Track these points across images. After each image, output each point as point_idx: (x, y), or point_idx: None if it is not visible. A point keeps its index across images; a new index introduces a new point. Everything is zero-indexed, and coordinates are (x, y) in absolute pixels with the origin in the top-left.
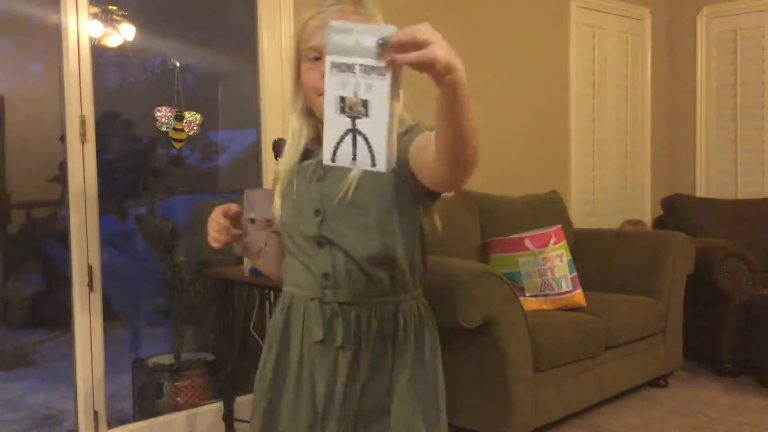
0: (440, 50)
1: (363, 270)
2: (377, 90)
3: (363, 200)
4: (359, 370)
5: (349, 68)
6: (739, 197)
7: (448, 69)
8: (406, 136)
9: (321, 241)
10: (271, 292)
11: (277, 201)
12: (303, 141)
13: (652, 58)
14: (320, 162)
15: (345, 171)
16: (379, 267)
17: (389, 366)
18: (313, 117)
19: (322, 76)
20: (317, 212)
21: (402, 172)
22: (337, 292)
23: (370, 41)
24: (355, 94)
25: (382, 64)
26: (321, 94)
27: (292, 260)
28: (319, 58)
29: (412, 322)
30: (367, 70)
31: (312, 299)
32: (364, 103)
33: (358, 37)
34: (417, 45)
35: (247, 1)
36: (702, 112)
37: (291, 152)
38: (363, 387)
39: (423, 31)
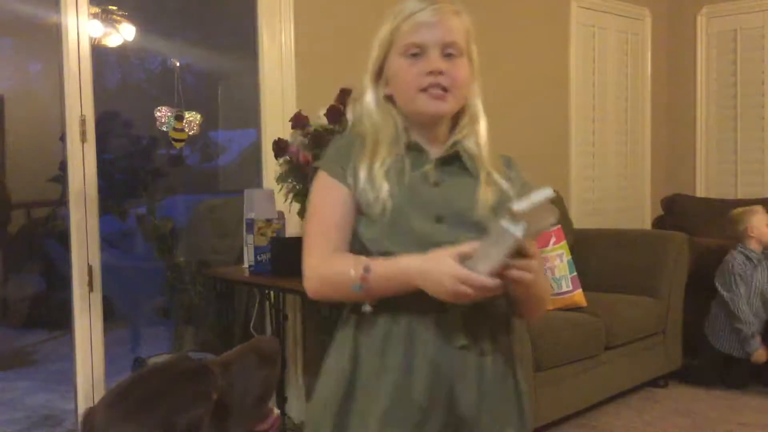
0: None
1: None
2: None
3: (485, 217)
4: (498, 373)
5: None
6: (739, 197)
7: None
8: (511, 172)
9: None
10: (271, 291)
11: (384, 185)
12: (405, 134)
13: (652, 58)
14: (435, 166)
15: (463, 181)
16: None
17: (513, 369)
18: (396, 109)
19: (426, 73)
20: (439, 218)
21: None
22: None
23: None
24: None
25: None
26: (423, 89)
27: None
28: (417, 55)
29: (511, 326)
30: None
31: (445, 304)
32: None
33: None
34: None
35: (247, 1)
36: (702, 112)
37: (388, 142)
38: (503, 390)
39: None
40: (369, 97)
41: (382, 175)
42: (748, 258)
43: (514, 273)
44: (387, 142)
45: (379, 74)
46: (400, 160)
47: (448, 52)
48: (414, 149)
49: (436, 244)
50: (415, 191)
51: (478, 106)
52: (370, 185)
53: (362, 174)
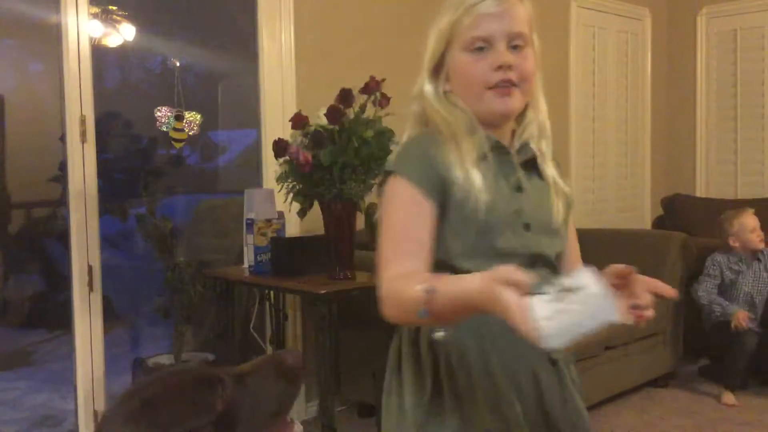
0: None
1: None
2: None
3: (560, 224)
4: (575, 385)
5: None
6: (739, 197)
7: None
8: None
9: (536, 261)
10: (271, 291)
11: (476, 179)
12: (482, 131)
13: (652, 58)
14: (519, 170)
15: (539, 186)
16: None
17: (575, 377)
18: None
19: (494, 68)
20: (527, 226)
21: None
22: None
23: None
24: None
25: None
26: (490, 87)
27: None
28: (483, 48)
29: None
30: None
31: None
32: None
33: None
34: None
35: (247, 1)
36: (702, 112)
37: (466, 134)
38: (577, 403)
39: None
40: (429, 95)
41: (471, 168)
42: (735, 262)
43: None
44: (465, 135)
45: (437, 69)
46: (484, 157)
47: (515, 43)
48: (497, 149)
49: (531, 255)
50: (505, 196)
51: (540, 96)
52: (464, 176)
53: (455, 165)
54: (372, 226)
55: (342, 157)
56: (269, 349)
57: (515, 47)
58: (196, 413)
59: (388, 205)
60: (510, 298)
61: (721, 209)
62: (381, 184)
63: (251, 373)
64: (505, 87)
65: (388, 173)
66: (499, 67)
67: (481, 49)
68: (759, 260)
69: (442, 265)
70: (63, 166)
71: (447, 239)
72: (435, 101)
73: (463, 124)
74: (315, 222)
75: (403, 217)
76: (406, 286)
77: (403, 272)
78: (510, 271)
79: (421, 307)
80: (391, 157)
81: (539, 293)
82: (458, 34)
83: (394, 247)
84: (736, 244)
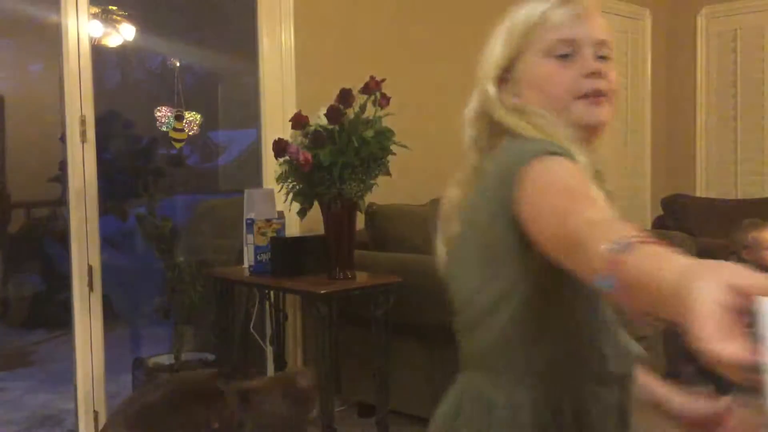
0: None
1: None
2: None
3: None
4: None
5: None
6: (739, 197)
7: None
8: None
9: (606, 305)
10: (271, 291)
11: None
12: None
13: (652, 58)
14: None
15: None
16: None
17: None
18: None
19: (584, 76)
20: None
21: None
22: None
23: None
24: None
25: None
26: (579, 97)
27: (601, 331)
28: (568, 55)
29: None
30: None
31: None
32: None
33: None
34: None
35: (247, 1)
36: (702, 112)
37: (580, 152)
38: None
39: None
40: (503, 106)
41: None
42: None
43: None
44: (576, 149)
45: (502, 80)
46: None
47: (602, 53)
48: (596, 176)
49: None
50: None
51: None
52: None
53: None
54: (373, 228)
55: (342, 157)
56: (269, 349)
57: (602, 57)
58: (192, 429)
59: (552, 173)
60: (713, 300)
61: (721, 209)
62: (525, 165)
63: (258, 392)
64: (596, 96)
65: (535, 157)
66: (591, 74)
67: (565, 56)
68: None
69: (509, 293)
70: (63, 166)
71: (537, 258)
72: (517, 114)
73: (569, 139)
74: (315, 222)
75: (577, 179)
76: (602, 233)
77: (602, 217)
78: (743, 270)
79: (603, 271)
80: (521, 151)
81: None
82: (536, 40)
83: (579, 200)
84: (749, 257)
